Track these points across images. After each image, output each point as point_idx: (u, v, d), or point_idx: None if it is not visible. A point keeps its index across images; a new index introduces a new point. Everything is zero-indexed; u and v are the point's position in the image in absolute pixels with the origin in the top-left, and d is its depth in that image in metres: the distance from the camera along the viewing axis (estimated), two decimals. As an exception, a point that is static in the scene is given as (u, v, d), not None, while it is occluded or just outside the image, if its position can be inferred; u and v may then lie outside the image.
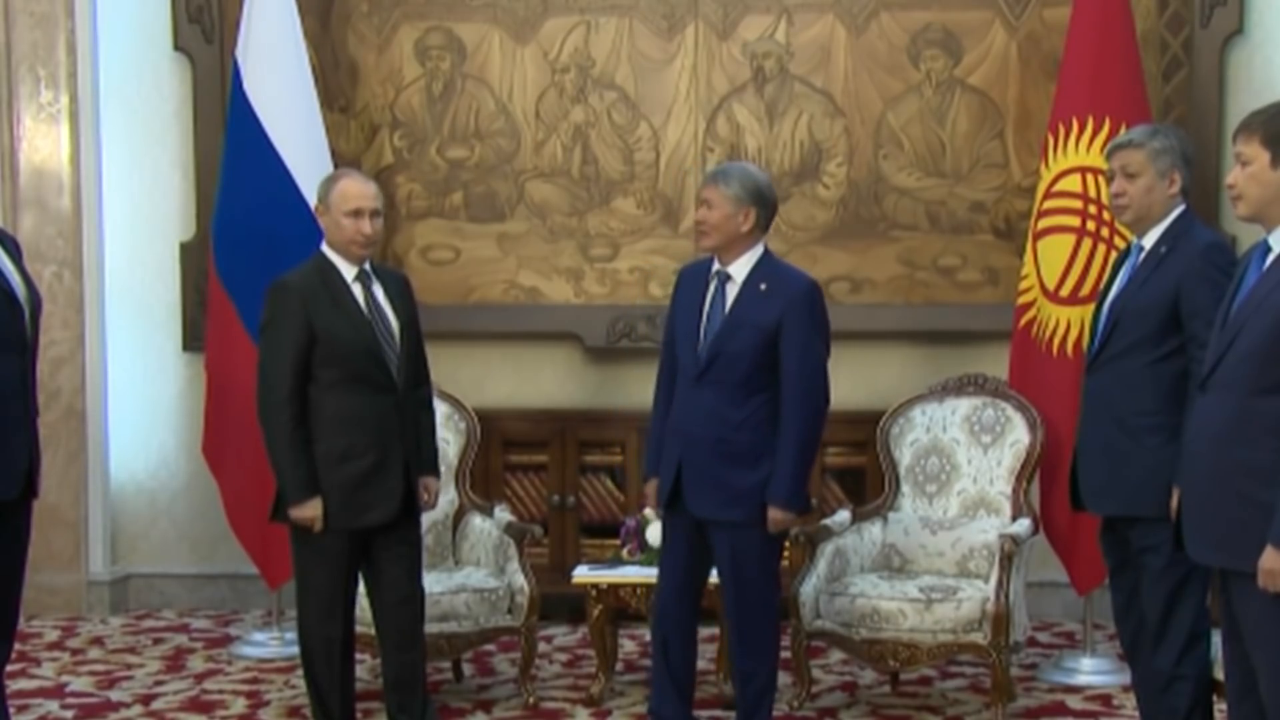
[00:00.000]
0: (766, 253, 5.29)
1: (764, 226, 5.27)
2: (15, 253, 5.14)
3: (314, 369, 5.22)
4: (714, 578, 5.45)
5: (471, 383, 7.25)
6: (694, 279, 5.36)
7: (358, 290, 5.29)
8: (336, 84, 7.43)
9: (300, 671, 5.41)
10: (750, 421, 5.19)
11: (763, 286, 5.20)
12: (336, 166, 6.86)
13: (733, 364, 5.19)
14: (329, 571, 5.31)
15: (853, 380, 7.11)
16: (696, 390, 5.23)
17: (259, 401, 5.26)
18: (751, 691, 5.34)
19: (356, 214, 5.25)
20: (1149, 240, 4.93)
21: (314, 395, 5.23)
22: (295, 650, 6.49)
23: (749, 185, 5.23)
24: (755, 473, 5.18)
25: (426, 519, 5.74)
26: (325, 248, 5.32)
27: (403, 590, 5.44)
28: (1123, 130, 5.61)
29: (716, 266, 5.30)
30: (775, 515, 5.18)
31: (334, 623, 5.34)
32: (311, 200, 6.37)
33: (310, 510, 5.21)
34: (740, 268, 5.24)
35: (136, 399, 7.64)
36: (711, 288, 5.29)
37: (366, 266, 5.33)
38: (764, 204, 5.25)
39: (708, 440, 5.22)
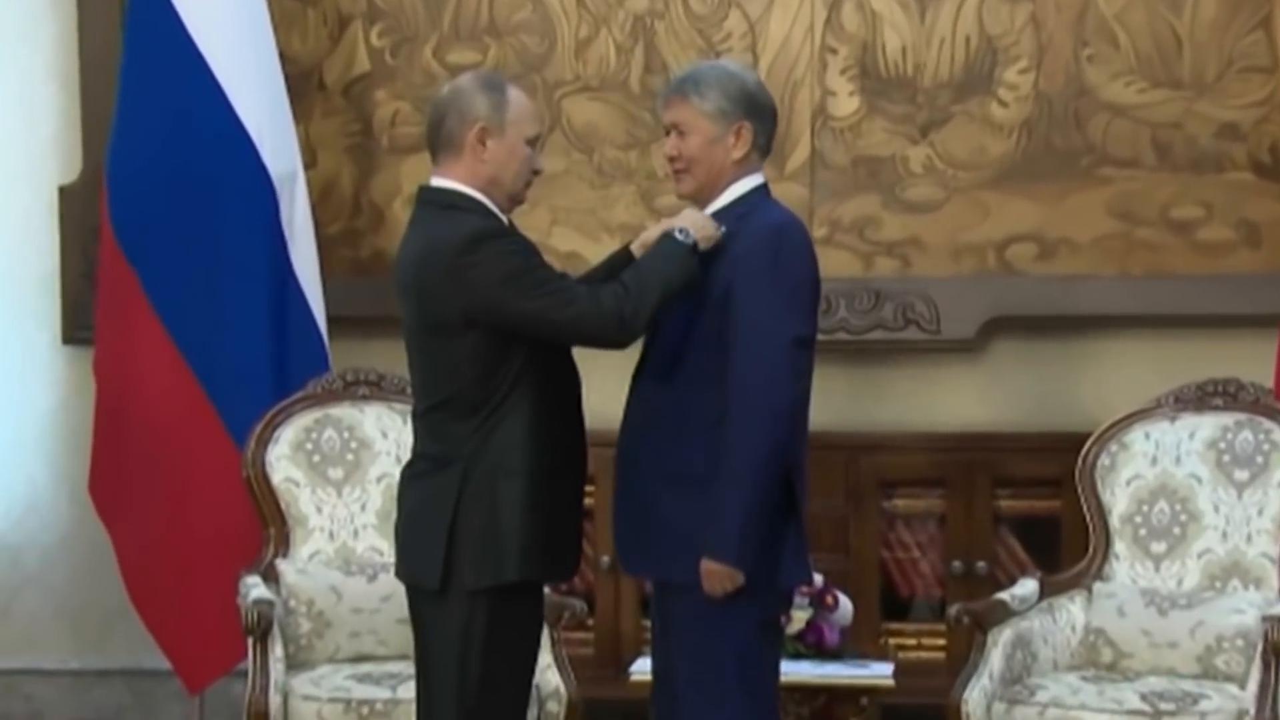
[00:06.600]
0: (756, 189, 4.57)
1: (764, 149, 4.57)
2: None
3: (511, 365, 4.62)
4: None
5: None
6: None
7: None
8: (288, -42, 6.76)
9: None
10: (691, 427, 4.46)
11: (723, 230, 4.62)
12: (287, 74, 6.35)
13: (665, 341, 4.56)
14: (525, 649, 4.71)
15: (1040, 389, 6.51)
16: (633, 386, 4.69)
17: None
18: None
19: (534, 142, 4.66)
20: None
21: (507, 401, 4.59)
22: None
23: (733, 91, 4.51)
24: (693, 505, 4.45)
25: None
26: (469, 189, 4.56)
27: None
28: None
29: None
30: (708, 567, 4.41)
31: None
32: (252, 123, 6.23)
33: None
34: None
35: (-5, 413, 7.08)
36: None
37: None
38: (760, 114, 4.52)
39: (629, 454, 4.63)
